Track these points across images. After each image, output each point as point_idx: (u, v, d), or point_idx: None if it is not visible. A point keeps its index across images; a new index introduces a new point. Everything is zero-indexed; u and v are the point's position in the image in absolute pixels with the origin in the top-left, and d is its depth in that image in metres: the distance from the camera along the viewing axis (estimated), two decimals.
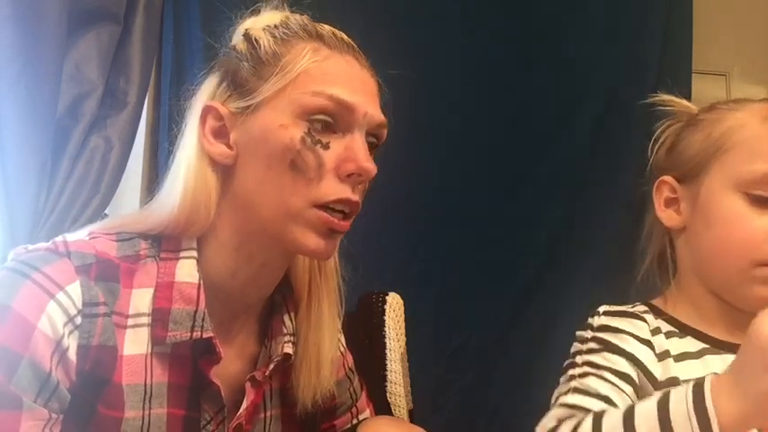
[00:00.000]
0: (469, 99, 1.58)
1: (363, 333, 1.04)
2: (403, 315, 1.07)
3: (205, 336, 0.66)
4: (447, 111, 1.56)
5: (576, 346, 0.77)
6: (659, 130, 0.84)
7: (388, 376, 1.02)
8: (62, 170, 1.17)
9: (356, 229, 0.70)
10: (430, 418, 1.38)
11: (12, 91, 1.09)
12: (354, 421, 0.87)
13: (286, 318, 0.75)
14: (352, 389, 0.86)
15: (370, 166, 0.66)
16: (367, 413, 0.89)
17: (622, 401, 0.69)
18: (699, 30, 1.74)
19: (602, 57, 1.65)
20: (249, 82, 0.68)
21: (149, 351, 0.66)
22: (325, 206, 0.66)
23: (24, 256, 0.63)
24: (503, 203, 1.58)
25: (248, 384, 0.71)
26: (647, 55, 1.68)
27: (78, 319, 0.61)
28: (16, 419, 0.57)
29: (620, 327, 0.75)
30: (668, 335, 0.75)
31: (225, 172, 0.69)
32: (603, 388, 0.70)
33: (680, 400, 0.60)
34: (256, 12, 0.73)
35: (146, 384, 0.65)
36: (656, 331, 0.75)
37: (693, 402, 0.59)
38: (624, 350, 0.73)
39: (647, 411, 0.61)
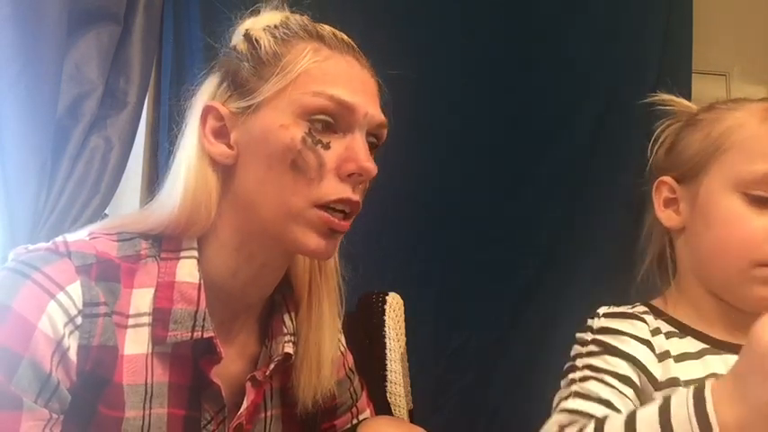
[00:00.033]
0: (469, 99, 1.58)
1: (363, 333, 1.04)
2: (403, 315, 1.07)
3: (206, 335, 0.66)
4: (447, 111, 1.56)
5: (577, 348, 0.77)
6: (659, 130, 0.83)
7: (388, 376, 1.02)
8: (62, 170, 1.17)
9: (356, 229, 0.70)
10: (430, 418, 1.38)
11: (12, 91, 1.09)
12: (355, 421, 0.87)
13: (286, 317, 0.75)
14: (352, 389, 0.86)
15: (371, 166, 0.66)
16: (367, 413, 0.89)
17: (624, 405, 0.69)
18: (699, 30, 1.74)
19: (602, 57, 1.65)
20: (250, 82, 0.68)
21: (150, 351, 0.66)
22: (325, 206, 0.66)
23: (25, 256, 0.63)
24: (503, 203, 1.58)
25: (249, 384, 0.71)
26: (647, 55, 1.68)
27: (79, 320, 0.61)
28: (16, 420, 0.57)
29: (620, 328, 0.75)
30: (668, 335, 0.75)
31: (225, 172, 0.69)
32: (604, 392, 0.70)
33: (681, 404, 0.60)
34: (256, 12, 0.73)
35: (146, 384, 0.65)
36: (655, 332, 0.75)
37: (694, 407, 0.59)
38: (625, 352, 0.72)
39: (648, 417, 0.61)
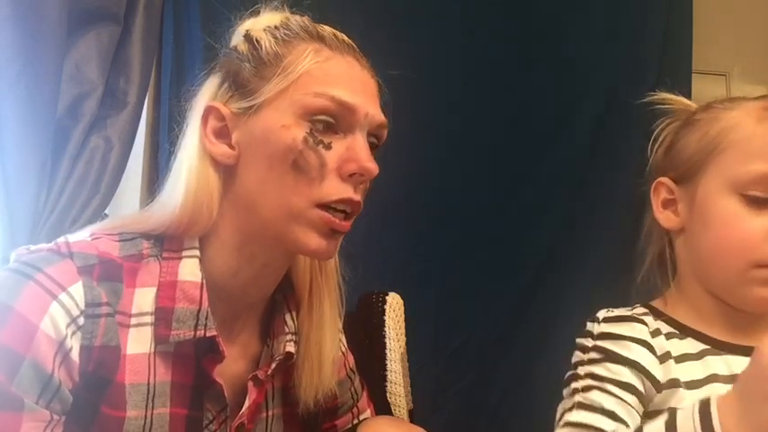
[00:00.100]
0: (469, 99, 1.58)
1: (363, 333, 1.04)
2: (403, 315, 1.07)
3: (208, 334, 0.66)
4: (447, 111, 1.56)
5: (578, 355, 0.77)
6: (658, 129, 0.83)
7: (388, 376, 1.02)
8: (62, 170, 1.17)
9: (356, 229, 0.70)
10: (430, 418, 1.38)
11: (12, 91, 1.09)
12: (355, 421, 0.87)
13: (288, 317, 0.75)
14: (353, 389, 0.86)
15: (372, 166, 0.67)
16: (368, 413, 0.89)
17: (628, 414, 0.69)
18: (699, 30, 1.74)
19: (602, 57, 1.65)
20: (251, 83, 0.68)
21: (152, 350, 0.66)
22: (327, 206, 0.66)
23: (27, 256, 0.63)
24: (503, 203, 1.58)
25: (251, 383, 0.71)
26: (647, 55, 1.68)
27: (81, 320, 0.61)
28: (17, 421, 0.57)
29: (621, 333, 0.74)
30: (668, 336, 0.75)
31: (227, 172, 0.69)
32: (608, 402, 0.70)
33: (687, 418, 0.61)
34: (256, 13, 0.73)
35: (149, 384, 0.65)
36: (656, 333, 0.75)
37: (701, 422, 0.60)
38: (627, 358, 0.72)
39: None
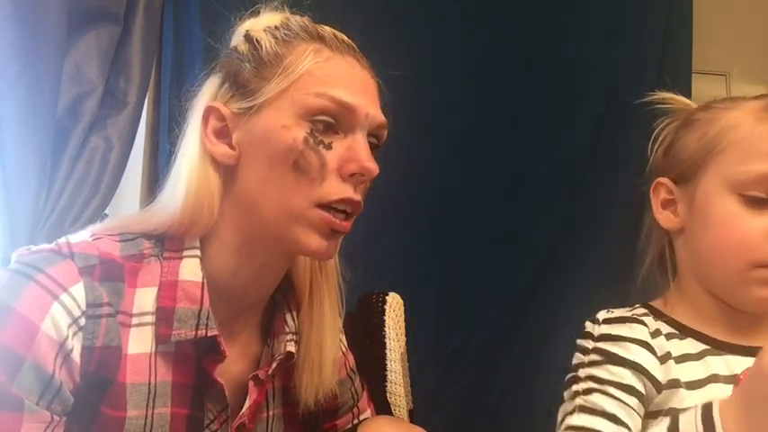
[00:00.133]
0: (469, 99, 1.58)
1: (363, 333, 1.04)
2: (403, 315, 1.07)
3: (210, 334, 0.66)
4: (447, 111, 1.56)
5: (578, 357, 0.76)
6: (658, 129, 0.83)
7: (388, 376, 1.02)
8: (62, 170, 1.17)
9: (356, 229, 0.70)
10: (430, 418, 1.38)
11: (12, 91, 1.09)
12: (356, 421, 0.87)
13: (288, 317, 0.76)
14: (353, 389, 0.86)
15: (373, 166, 0.67)
16: (368, 413, 0.89)
17: (629, 418, 0.69)
18: (699, 30, 1.74)
19: (602, 57, 1.65)
20: (251, 83, 0.68)
21: (153, 350, 0.66)
22: (327, 206, 0.66)
23: (28, 257, 0.63)
24: (503, 203, 1.58)
25: (251, 383, 0.71)
26: (647, 55, 1.68)
27: (82, 321, 0.61)
28: (17, 421, 0.57)
29: (621, 334, 0.74)
30: (668, 336, 0.75)
31: (227, 172, 0.69)
32: (610, 405, 0.70)
33: (689, 422, 0.62)
34: (256, 13, 0.73)
35: (150, 383, 0.65)
36: (656, 333, 0.75)
37: (704, 427, 0.61)
38: (627, 360, 0.72)
39: None
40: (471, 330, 1.55)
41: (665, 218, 0.79)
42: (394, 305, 1.05)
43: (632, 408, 0.70)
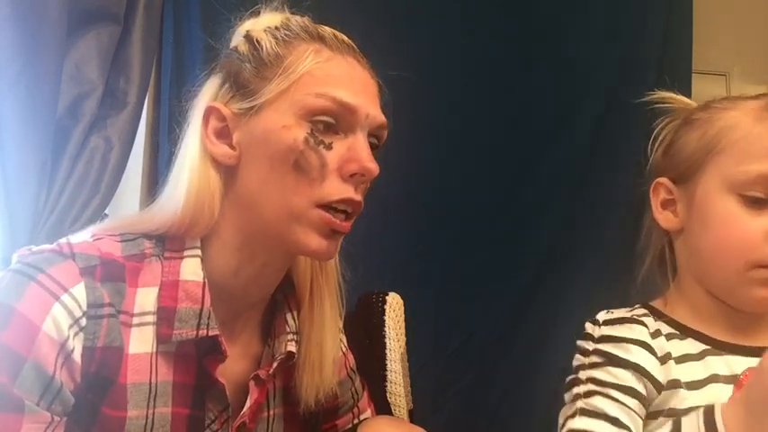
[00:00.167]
0: (469, 99, 1.58)
1: (363, 333, 1.04)
2: (403, 315, 1.07)
3: (211, 333, 0.66)
4: (447, 111, 1.56)
5: (579, 358, 0.76)
6: (658, 128, 0.83)
7: (388, 376, 1.02)
8: (62, 170, 1.17)
9: (357, 229, 0.70)
10: (430, 418, 1.38)
11: (12, 91, 1.09)
12: (356, 421, 0.87)
13: (289, 316, 0.76)
14: (353, 389, 0.87)
15: (373, 166, 0.67)
16: (368, 413, 0.89)
17: (631, 420, 0.69)
18: (699, 30, 1.74)
19: (602, 57, 1.65)
20: (252, 83, 0.68)
21: (154, 350, 0.66)
22: (328, 206, 0.66)
23: (29, 258, 0.63)
24: (503, 203, 1.58)
25: (252, 383, 0.71)
26: (647, 55, 1.68)
27: (83, 321, 0.61)
28: (18, 422, 0.57)
29: (621, 335, 0.74)
30: (669, 337, 0.75)
31: (228, 172, 0.69)
32: (611, 408, 0.70)
33: (692, 426, 0.62)
34: (256, 13, 0.73)
35: (150, 383, 0.65)
36: (656, 334, 0.75)
37: (706, 430, 0.61)
38: (628, 361, 0.72)
39: None
40: (471, 330, 1.55)
41: (664, 218, 0.79)
42: (394, 305, 1.05)
43: (633, 410, 0.70)
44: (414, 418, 1.04)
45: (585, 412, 0.71)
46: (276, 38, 0.69)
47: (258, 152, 0.67)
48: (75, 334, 0.60)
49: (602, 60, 1.65)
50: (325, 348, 0.76)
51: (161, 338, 0.66)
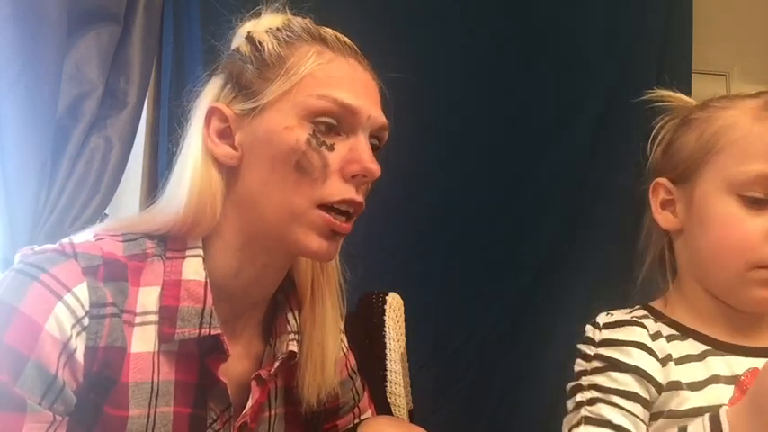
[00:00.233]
0: (469, 99, 1.58)
1: (363, 333, 1.04)
2: (403, 315, 1.07)
3: (213, 332, 0.66)
4: (447, 111, 1.56)
5: (580, 363, 0.76)
6: (657, 127, 0.83)
7: (388, 376, 1.02)
8: (62, 170, 1.17)
9: (357, 229, 0.70)
10: (430, 418, 1.37)
11: (12, 91, 1.09)
12: (357, 421, 0.87)
13: (290, 316, 0.76)
14: (354, 389, 0.87)
15: (375, 167, 0.67)
16: (369, 413, 0.89)
17: (635, 427, 0.69)
18: (699, 30, 1.74)
19: (602, 57, 1.65)
20: (254, 84, 0.68)
21: (156, 349, 0.66)
22: (329, 207, 0.66)
23: (32, 257, 0.63)
24: (503, 203, 1.58)
25: (254, 383, 0.71)
26: (647, 55, 1.68)
27: (86, 321, 0.61)
28: (19, 421, 0.57)
29: (622, 338, 0.74)
30: (669, 338, 0.75)
31: (229, 173, 0.69)
32: (615, 416, 0.69)
33: (697, 431, 0.62)
34: (257, 14, 0.73)
35: (152, 382, 0.65)
36: (656, 336, 0.75)
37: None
38: (629, 365, 0.72)
39: None
40: (471, 330, 1.55)
41: (664, 218, 0.79)
42: (394, 305, 1.05)
43: (637, 416, 0.70)
44: (414, 418, 1.04)
45: (590, 420, 0.70)
46: (278, 39, 0.69)
47: (260, 153, 0.67)
48: (78, 333, 0.61)
49: (602, 60, 1.65)
50: (326, 348, 0.76)
51: (163, 337, 0.66)
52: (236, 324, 0.73)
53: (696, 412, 0.69)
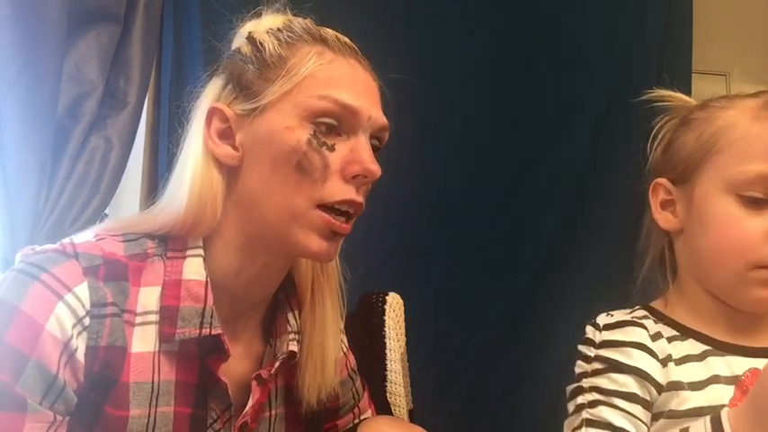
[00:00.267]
0: (469, 99, 1.58)
1: (363, 333, 1.04)
2: (403, 315, 1.07)
3: (214, 332, 0.66)
4: (447, 111, 1.56)
5: (581, 365, 0.76)
6: (657, 127, 0.82)
7: (388, 376, 1.02)
8: (62, 170, 1.17)
9: (357, 229, 0.70)
10: (430, 418, 1.38)
11: (12, 91, 1.09)
12: (357, 421, 0.87)
13: (290, 316, 0.76)
14: (354, 389, 0.87)
15: (376, 168, 0.67)
16: (369, 413, 0.89)
17: (637, 429, 0.69)
18: (699, 30, 1.74)
19: (602, 57, 1.65)
20: (255, 84, 0.68)
21: (157, 349, 0.66)
22: (329, 207, 0.66)
23: (33, 257, 0.63)
24: (503, 203, 1.58)
25: (254, 383, 0.71)
26: (647, 55, 1.68)
27: (87, 320, 0.61)
28: (20, 421, 0.57)
29: (622, 339, 0.74)
30: (669, 339, 0.75)
31: (230, 173, 0.69)
32: (617, 419, 0.69)
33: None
34: (258, 15, 0.73)
35: (153, 382, 0.65)
36: (656, 336, 0.74)
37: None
38: (630, 366, 0.72)
39: None
40: (471, 330, 1.55)
41: (663, 218, 0.79)
42: (394, 305, 1.05)
43: (638, 417, 0.70)
44: (414, 418, 1.04)
45: (591, 423, 0.70)
46: (279, 39, 0.69)
47: (261, 153, 0.67)
48: (79, 333, 0.61)
49: (602, 60, 1.65)
50: (326, 348, 0.76)
51: (164, 337, 0.66)
52: (236, 324, 0.73)
53: (696, 412, 0.69)
